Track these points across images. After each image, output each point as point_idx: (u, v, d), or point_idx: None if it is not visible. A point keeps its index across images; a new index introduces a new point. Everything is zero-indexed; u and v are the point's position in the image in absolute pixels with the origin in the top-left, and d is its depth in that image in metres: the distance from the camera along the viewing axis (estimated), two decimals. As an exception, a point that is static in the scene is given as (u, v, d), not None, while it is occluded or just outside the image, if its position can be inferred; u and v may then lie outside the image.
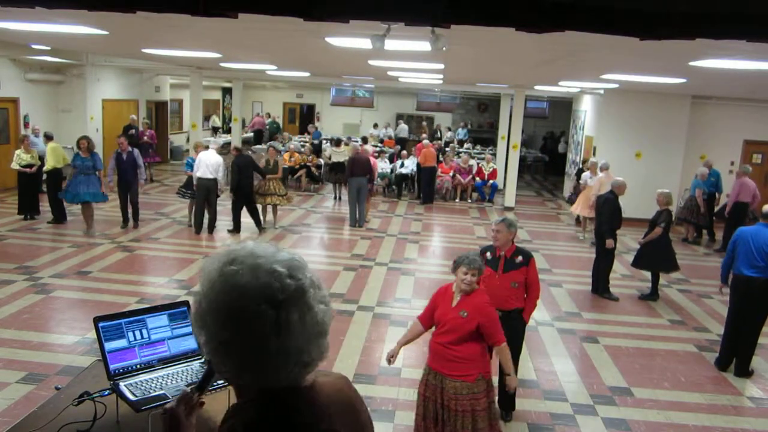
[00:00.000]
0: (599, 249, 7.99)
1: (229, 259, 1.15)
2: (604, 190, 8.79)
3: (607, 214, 7.77)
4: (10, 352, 5.38)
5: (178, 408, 1.41)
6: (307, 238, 10.38)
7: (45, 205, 10.74)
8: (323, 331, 1.18)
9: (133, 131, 14.69)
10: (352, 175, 11.23)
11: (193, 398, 1.44)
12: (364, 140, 16.06)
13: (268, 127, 21.99)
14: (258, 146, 17.82)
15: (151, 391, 2.18)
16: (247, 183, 10.06)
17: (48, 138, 10.43)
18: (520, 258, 4.50)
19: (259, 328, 1.10)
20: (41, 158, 10.51)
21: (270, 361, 1.12)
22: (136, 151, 10.05)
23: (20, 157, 10.04)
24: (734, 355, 5.89)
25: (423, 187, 14.29)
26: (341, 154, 14.25)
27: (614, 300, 7.83)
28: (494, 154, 17.22)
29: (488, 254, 4.61)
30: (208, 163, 9.90)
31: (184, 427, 1.41)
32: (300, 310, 1.12)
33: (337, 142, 14.92)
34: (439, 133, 22.10)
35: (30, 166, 10.05)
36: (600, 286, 7.96)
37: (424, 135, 15.55)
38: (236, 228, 10.30)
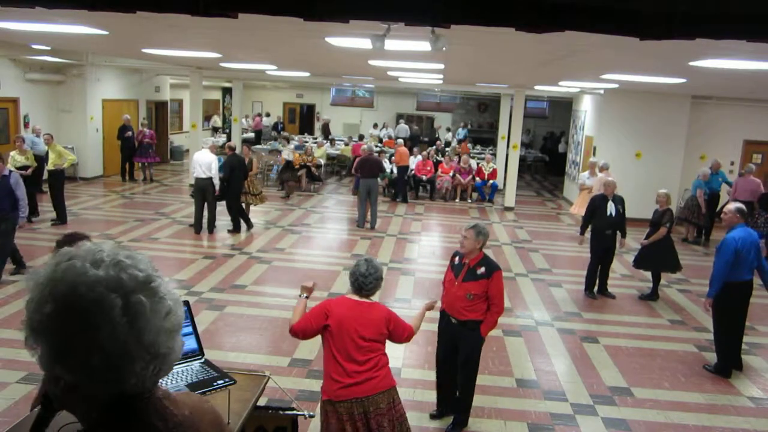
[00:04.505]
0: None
1: (65, 257, 1.08)
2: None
3: (588, 212, 7.87)
4: (10, 352, 5.38)
5: None
6: (307, 238, 10.38)
7: (44, 206, 10.76)
8: (177, 324, 1.11)
9: (130, 133, 14.67)
10: (362, 175, 11.13)
11: None
12: (360, 138, 16.16)
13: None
14: (257, 146, 17.85)
15: (151, 391, 2.18)
16: (237, 183, 10.10)
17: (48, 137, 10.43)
18: (482, 270, 4.17)
19: (110, 318, 1.02)
20: (39, 159, 10.49)
21: (122, 355, 1.04)
22: (15, 177, 7.10)
23: (14, 159, 9.80)
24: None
25: (398, 185, 14.43)
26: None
27: (593, 298, 7.81)
28: (494, 154, 17.24)
29: (456, 259, 4.40)
30: (201, 163, 9.94)
31: None
32: (150, 299, 1.07)
33: (331, 140, 15.01)
34: (437, 134, 22.10)
35: (25, 168, 9.71)
36: (585, 283, 7.97)
37: (400, 140, 15.73)
38: (236, 227, 10.32)
